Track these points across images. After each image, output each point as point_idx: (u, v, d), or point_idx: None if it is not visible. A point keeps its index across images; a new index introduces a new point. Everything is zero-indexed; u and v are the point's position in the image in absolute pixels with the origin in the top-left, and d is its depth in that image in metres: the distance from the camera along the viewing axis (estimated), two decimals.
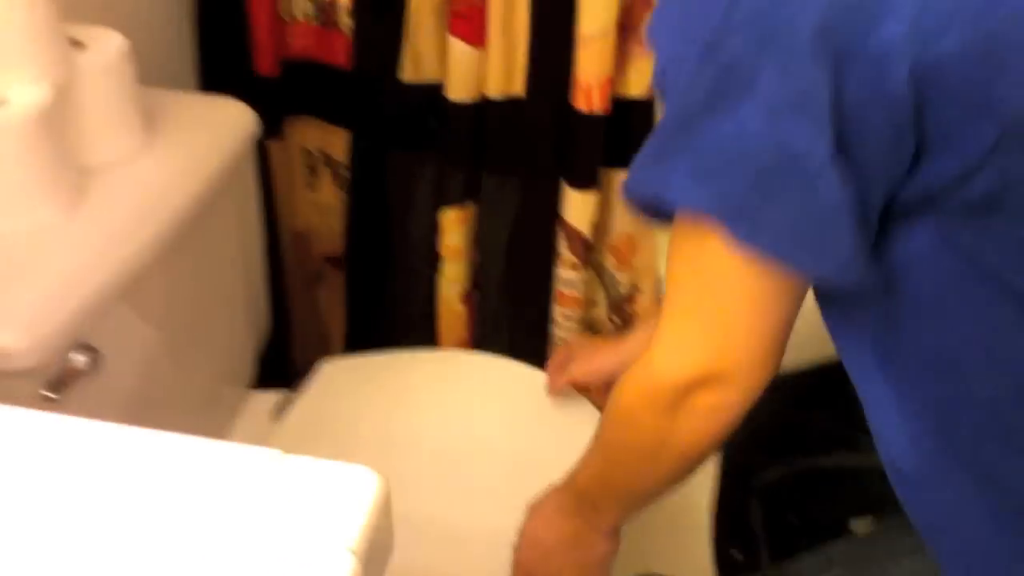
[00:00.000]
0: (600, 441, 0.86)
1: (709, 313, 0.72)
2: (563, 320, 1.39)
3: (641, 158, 0.72)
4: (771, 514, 1.23)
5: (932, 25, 0.62)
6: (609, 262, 1.40)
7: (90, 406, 0.92)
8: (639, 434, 0.79)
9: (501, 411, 1.22)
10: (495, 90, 1.29)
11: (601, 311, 1.43)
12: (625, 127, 1.30)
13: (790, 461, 1.19)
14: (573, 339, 1.38)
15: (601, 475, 0.88)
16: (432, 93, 1.32)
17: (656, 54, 0.72)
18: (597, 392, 1.22)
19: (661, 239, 1.45)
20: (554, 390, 1.21)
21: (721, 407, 0.74)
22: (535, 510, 0.96)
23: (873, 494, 1.19)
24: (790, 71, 0.63)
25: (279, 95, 1.39)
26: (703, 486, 1.23)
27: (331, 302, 1.55)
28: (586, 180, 1.31)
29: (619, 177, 1.33)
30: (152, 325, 1.04)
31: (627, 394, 0.80)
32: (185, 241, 1.04)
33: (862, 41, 0.62)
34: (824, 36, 0.62)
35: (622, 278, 1.40)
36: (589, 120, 1.27)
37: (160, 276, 1.02)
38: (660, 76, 0.71)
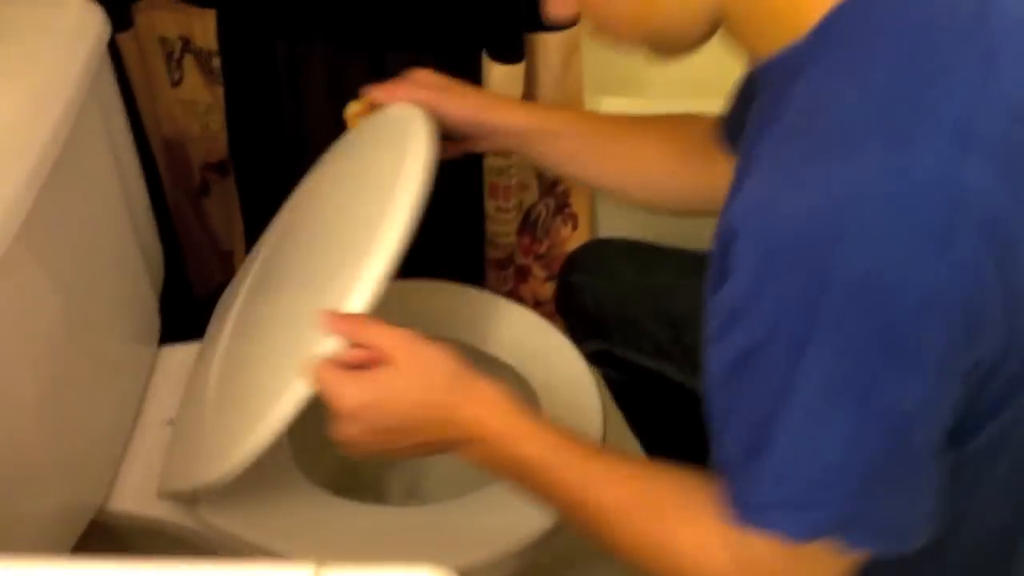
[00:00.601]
0: (612, 512, 0.71)
1: None
2: (497, 213, 1.23)
3: (733, 481, 0.66)
4: None
5: None
6: None
7: None
8: (659, 558, 0.70)
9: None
10: None
11: (532, 195, 1.28)
12: None
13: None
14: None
15: (575, 507, 0.73)
16: None
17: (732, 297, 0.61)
18: (475, 143, 0.96)
19: (590, 101, 1.30)
20: (388, 97, 0.92)
21: None
22: (430, 416, 0.75)
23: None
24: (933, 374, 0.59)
25: None
26: None
27: (226, 222, 1.34)
28: (511, 51, 1.12)
29: (544, 41, 1.15)
30: (44, 288, 0.84)
31: (693, 553, 0.68)
32: (53, 180, 0.83)
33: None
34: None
35: None
36: None
37: (37, 226, 0.81)
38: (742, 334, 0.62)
